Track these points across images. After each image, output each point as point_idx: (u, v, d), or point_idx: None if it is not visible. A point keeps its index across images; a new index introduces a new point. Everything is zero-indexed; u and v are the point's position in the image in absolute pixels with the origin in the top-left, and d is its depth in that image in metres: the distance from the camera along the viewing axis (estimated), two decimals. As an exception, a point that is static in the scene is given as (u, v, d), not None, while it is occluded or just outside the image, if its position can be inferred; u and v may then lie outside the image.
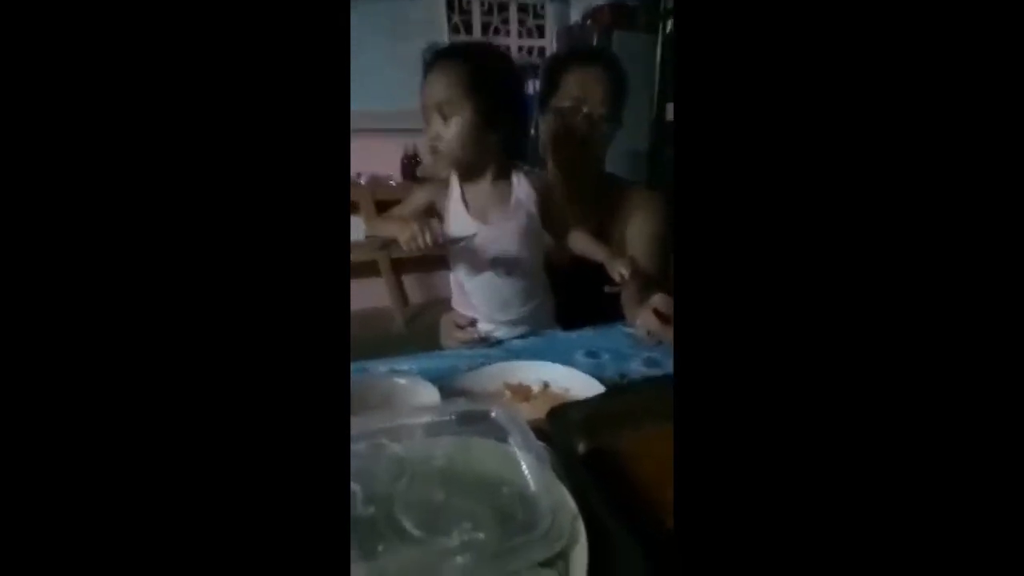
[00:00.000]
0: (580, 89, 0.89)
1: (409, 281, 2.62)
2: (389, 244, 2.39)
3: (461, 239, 0.75)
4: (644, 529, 0.33)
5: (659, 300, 0.73)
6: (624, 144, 1.06)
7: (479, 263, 0.79)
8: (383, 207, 2.26)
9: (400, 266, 2.46)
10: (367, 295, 2.41)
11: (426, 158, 0.75)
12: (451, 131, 0.71)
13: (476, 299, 0.82)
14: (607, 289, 0.75)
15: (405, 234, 0.70)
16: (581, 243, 0.82)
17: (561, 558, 0.32)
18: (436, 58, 0.72)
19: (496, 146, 0.75)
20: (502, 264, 0.78)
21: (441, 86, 0.70)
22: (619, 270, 0.73)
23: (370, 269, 2.33)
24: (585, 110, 0.89)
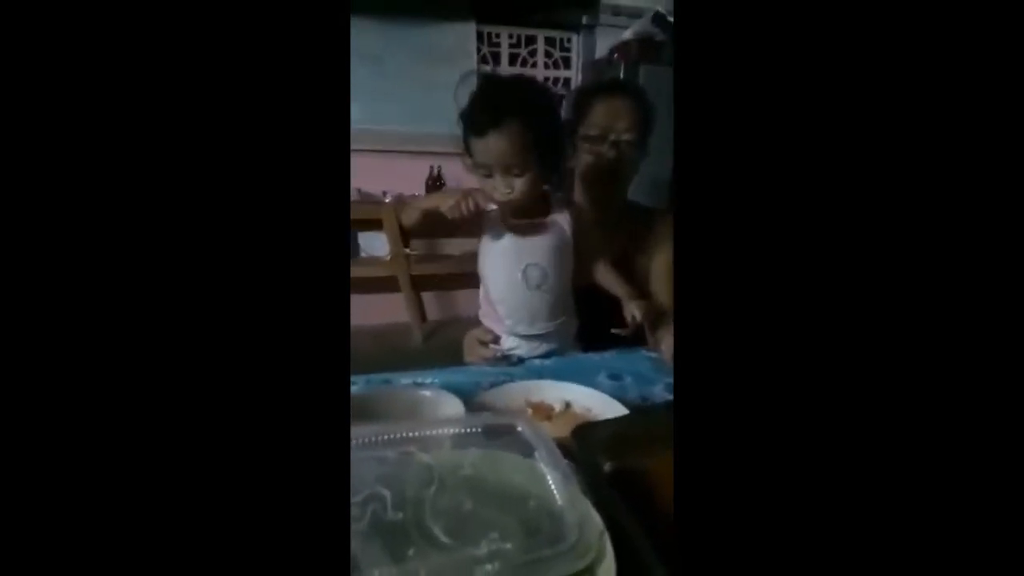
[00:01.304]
0: (607, 119, 0.92)
1: (428, 298, 2.64)
2: (409, 258, 2.40)
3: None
4: (670, 548, 0.33)
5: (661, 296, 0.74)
6: (649, 173, 1.08)
7: (511, 272, 0.80)
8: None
9: (420, 283, 2.49)
10: (386, 310, 2.44)
11: (480, 200, 0.75)
12: (519, 188, 0.74)
13: (503, 310, 0.83)
14: (614, 331, 0.77)
15: (449, 202, 0.72)
16: (604, 276, 0.84)
17: (588, 573, 0.32)
18: (499, 116, 0.70)
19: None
20: (533, 276, 0.80)
21: (510, 149, 0.71)
22: (633, 312, 0.75)
23: (390, 284, 2.36)
24: (612, 139, 0.92)
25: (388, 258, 2.29)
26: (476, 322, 0.88)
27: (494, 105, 0.71)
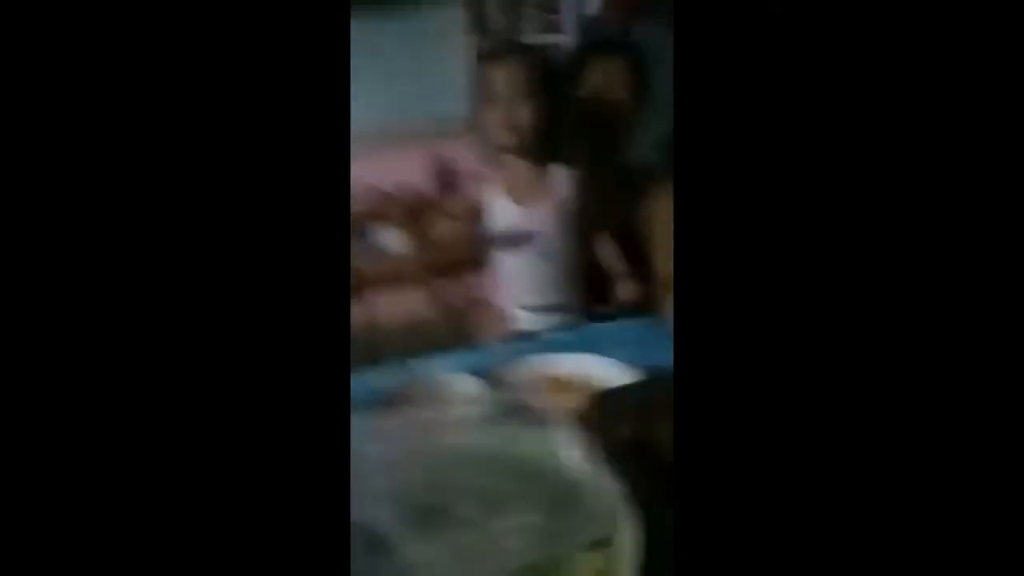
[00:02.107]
0: (603, 79, 0.90)
1: (443, 286, 2.66)
2: (423, 254, 2.41)
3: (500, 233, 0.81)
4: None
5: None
6: (650, 133, 1.06)
7: (518, 244, 0.82)
8: (413, 215, 2.33)
9: (435, 271, 2.51)
10: (403, 303, 2.48)
11: (498, 134, 0.81)
12: (527, 114, 0.77)
13: (514, 283, 0.84)
14: (599, 308, 0.80)
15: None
16: (604, 251, 0.84)
17: (609, 540, 0.33)
18: (507, 50, 0.81)
19: (541, 135, 0.81)
20: (540, 245, 0.81)
21: (520, 74, 0.77)
22: (624, 293, 0.77)
23: (405, 278, 2.38)
24: (608, 99, 0.90)
25: (400, 251, 2.31)
26: (487, 303, 0.90)
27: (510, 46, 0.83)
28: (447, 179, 2.40)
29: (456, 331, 1.12)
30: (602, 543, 0.33)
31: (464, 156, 2.48)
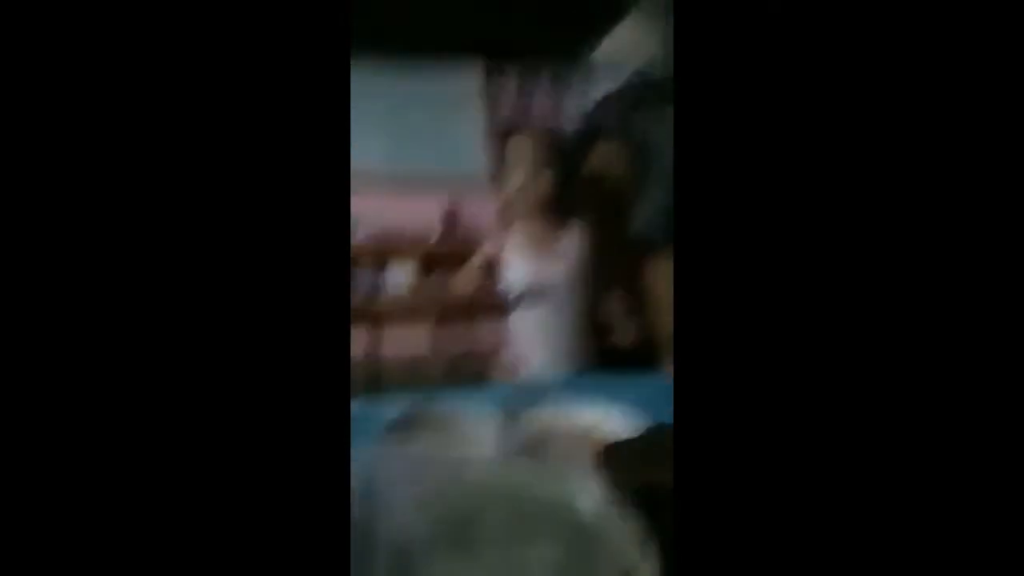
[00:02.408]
0: (604, 158, 1.02)
1: (450, 332, 2.69)
2: (432, 294, 2.47)
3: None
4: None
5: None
6: (650, 206, 1.16)
7: (532, 298, 0.88)
8: (426, 260, 2.42)
9: (443, 316, 2.56)
10: (408, 343, 2.50)
11: (516, 197, 0.94)
12: (542, 182, 0.88)
13: (527, 335, 0.90)
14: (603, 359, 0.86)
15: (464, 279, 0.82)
16: (609, 307, 0.93)
17: None
18: (523, 125, 0.88)
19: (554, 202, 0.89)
20: (552, 300, 0.88)
21: (533, 146, 0.88)
22: (626, 340, 0.85)
23: (412, 317, 2.43)
24: (610, 175, 1.01)
25: (410, 293, 2.38)
26: (499, 350, 0.94)
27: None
28: (460, 230, 2.52)
29: (467, 373, 1.16)
30: (619, 576, 0.35)
31: (479, 211, 2.62)
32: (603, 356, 0.95)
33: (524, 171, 0.89)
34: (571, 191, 0.95)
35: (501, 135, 0.95)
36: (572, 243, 0.92)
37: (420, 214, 2.46)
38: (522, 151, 0.90)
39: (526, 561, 0.36)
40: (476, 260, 0.96)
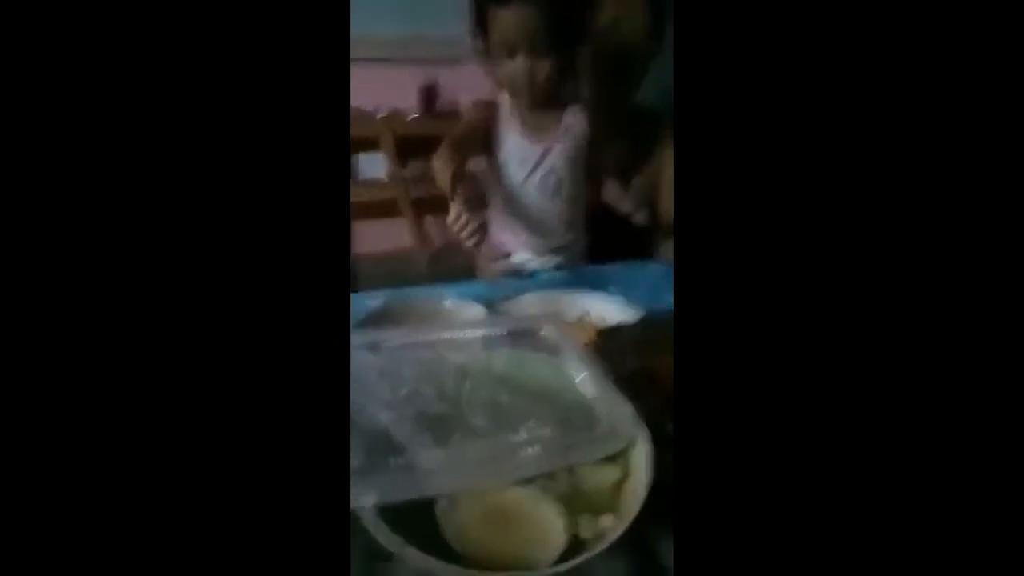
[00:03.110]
0: (617, 10, 0.85)
1: (431, 222, 2.61)
2: (408, 182, 2.32)
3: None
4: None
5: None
6: (657, 78, 1.02)
7: (527, 180, 0.78)
8: (403, 142, 2.23)
9: (422, 205, 2.45)
10: (388, 235, 2.42)
11: (511, 81, 0.71)
12: (544, 71, 0.68)
13: (520, 221, 0.82)
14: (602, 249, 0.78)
15: (451, 214, 0.63)
16: (609, 191, 0.81)
17: (623, 455, 0.34)
18: None
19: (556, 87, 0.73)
20: (550, 184, 0.78)
21: (541, 22, 0.65)
22: (639, 218, 0.74)
23: (391, 208, 2.31)
24: (621, 39, 0.85)
25: (387, 180, 2.22)
26: (487, 239, 0.88)
27: None
28: (442, 106, 2.30)
29: (447, 272, 1.09)
30: (617, 457, 0.34)
31: (464, 86, 2.35)
32: (600, 246, 0.89)
33: (520, 55, 0.67)
34: (577, 65, 0.76)
35: (492, 5, 0.68)
36: (577, 121, 0.77)
37: (395, 89, 2.22)
38: (516, 27, 0.66)
39: (516, 441, 0.33)
40: (462, 132, 0.81)
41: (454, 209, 0.61)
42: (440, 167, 0.70)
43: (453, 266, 0.95)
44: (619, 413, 0.36)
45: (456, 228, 0.60)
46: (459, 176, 0.67)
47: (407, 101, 2.26)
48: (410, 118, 2.26)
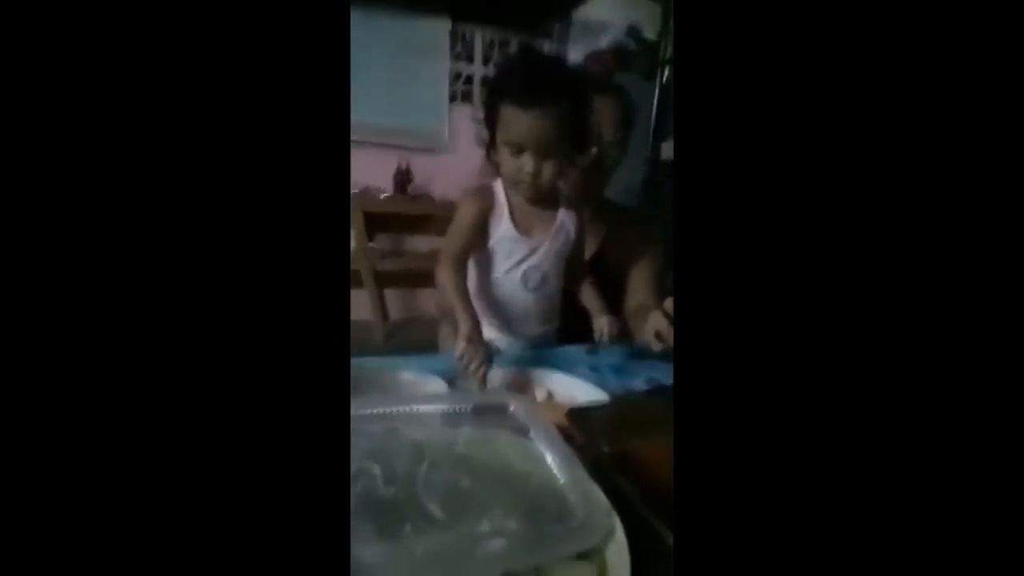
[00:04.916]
0: (594, 119, 0.91)
1: (391, 296, 2.57)
2: (373, 254, 2.31)
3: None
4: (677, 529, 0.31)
5: (670, 304, 0.72)
6: (622, 178, 1.09)
7: (511, 271, 0.77)
8: (372, 219, 2.25)
9: (383, 279, 2.42)
10: (358, 304, 2.35)
11: (514, 177, 0.71)
12: (547, 173, 0.70)
13: (496, 308, 0.79)
14: (584, 348, 0.77)
15: (460, 347, 0.61)
16: (586, 293, 0.82)
17: (598, 552, 0.30)
18: (552, 93, 0.65)
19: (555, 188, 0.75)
20: (533, 279, 0.78)
21: (555, 131, 0.67)
22: (602, 328, 0.73)
23: (353, 281, 2.27)
24: (597, 137, 0.91)
25: (352, 253, 2.21)
26: (438, 322, 0.85)
27: (546, 78, 0.66)
28: (414, 189, 2.36)
29: (403, 347, 1.04)
30: (591, 555, 0.29)
31: (437, 173, 2.44)
32: (567, 328, 0.88)
33: (527, 156, 0.68)
34: (572, 174, 0.78)
35: (497, 100, 0.69)
36: (571, 223, 0.79)
37: (369, 169, 2.28)
38: (529, 129, 0.66)
39: (476, 534, 0.29)
40: (460, 224, 0.75)
41: (460, 343, 0.59)
42: (445, 282, 0.69)
43: (412, 340, 0.90)
44: (595, 502, 0.32)
45: (464, 362, 0.58)
46: (464, 291, 0.68)
47: (381, 181, 2.33)
48: (383, 196, 2.31)
